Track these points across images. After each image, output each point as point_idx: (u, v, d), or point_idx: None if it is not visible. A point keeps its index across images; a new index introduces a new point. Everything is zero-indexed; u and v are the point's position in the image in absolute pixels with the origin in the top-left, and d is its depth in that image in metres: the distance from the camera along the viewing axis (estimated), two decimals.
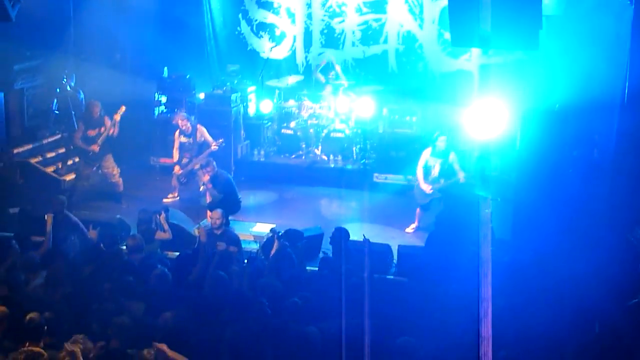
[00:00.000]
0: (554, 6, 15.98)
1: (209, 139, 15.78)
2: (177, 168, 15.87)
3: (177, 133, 15.99)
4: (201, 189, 15.28)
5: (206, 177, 14.61)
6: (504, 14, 8.91)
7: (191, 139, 15.85)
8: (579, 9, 15.22)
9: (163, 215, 12.52)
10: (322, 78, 18.35)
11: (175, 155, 15.95)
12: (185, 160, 15.84)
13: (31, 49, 17.83)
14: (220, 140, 15.85)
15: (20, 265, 10.38)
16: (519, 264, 10.73)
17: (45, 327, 8.36)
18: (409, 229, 14.65)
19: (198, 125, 15.94)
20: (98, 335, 8.48)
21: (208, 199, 14.88)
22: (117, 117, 15.49)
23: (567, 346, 8.72)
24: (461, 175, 14.25)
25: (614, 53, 13.03)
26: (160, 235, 12.35)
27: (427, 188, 14.43)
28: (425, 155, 14.60)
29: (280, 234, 11.41)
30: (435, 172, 14.43)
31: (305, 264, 11.46)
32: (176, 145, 15.97)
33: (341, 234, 11.63)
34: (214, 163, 14.72)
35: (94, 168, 15.79)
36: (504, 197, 13.91)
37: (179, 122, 15.96)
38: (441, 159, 14.45)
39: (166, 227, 12.43)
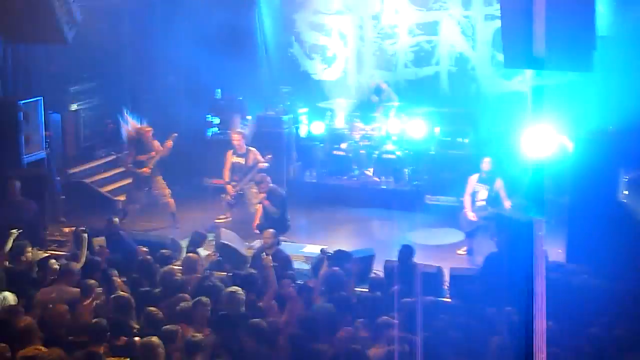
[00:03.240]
0: (609, 27, 15.84)
1: (261, 160, 15.80)
2: (229, 188, 15.92)
3: (229, 153, 16.04)
4: (255, 206, 15.27)
5: (262, 195, 14.62)
6: (557, 35, 8.86)
7: (243, 160, 15.90)
8: (634, 29, 15.07)
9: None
10: (374, 98, 18.38)
11: (226, 174, 15.99)
12: (235, 180, 15.89)
13: (87, 70, 18.14)
14: (269, 156, 15.86)
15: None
16: (573, 287, 10.60)
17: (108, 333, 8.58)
18: (461, 251, 14.54)
19: (251, 148, 16.00)
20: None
21: (257, 221, 14.89)
22: (170, 143, 15.61)
23: None
24: (507, 204, 14.06)
25: None
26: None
27: (472, 216, 14.31)
28: (472, 182, 14.47)
29: (329, 255, 11.37)
30: (482, 199, 14.29)
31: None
32: (227, 165, 16.01)
33: (408, 251, 11.64)
34: (268, 178, 14.77)
35: (145, 189, 15.93)
36: (557, 219, 13.79)
37: (233, 137, 16.03)
38: (488, 186, 14.32)
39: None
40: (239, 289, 9.63)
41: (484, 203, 14.28)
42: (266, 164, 15.66)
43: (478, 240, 14.31)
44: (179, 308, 9.39)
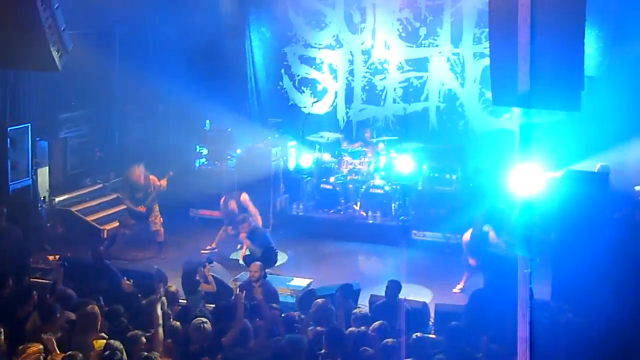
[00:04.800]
0: (597, 67, 15.99)
1: (252, 210, 15.73)
2: (229, 229, 15.91)
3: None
4: (238, 247, 15.28)
5: (242, 235, 14.60)
6: (545, 74, 8.91)
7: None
8: (621, 70, 15.22)
9: (208, 267, 12.50)
10: (357, 146, 18.39)
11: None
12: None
13: (76, 99, 18.15)
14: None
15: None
16: (557, 325, 10.59)
17: None
18: (456, 289, 14.47)
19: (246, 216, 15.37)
20: None
21: (243, 252, 14.88)
22: (164, 182, 15.65)
23: None
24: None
25: None
26: (204, 287, 12.33)
27: (472, 262, 14.30)
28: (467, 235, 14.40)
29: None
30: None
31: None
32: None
33: (395, 287, 11.61)
34: (250, 219, 14.76)
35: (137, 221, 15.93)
36: (543, 257, 13.81)
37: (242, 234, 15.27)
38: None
39: (210, 279, 12.41)
40: (206, 320, 9.62)
41: None
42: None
43: (472, 279, 14.27)
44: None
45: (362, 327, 10.26)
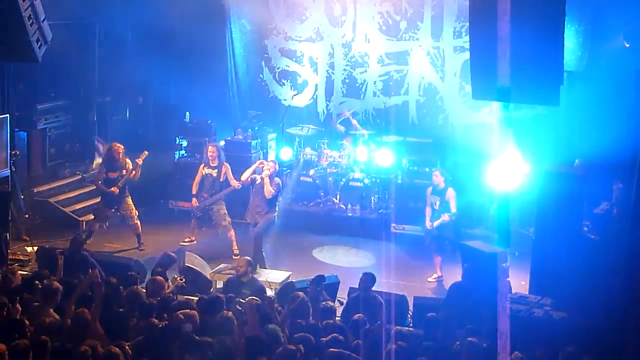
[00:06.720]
0: (576, 62, 16.05)
1: (231, 178, 15.70)
2: (194, 200, 15.83)
3: (201, 166, 15.98)
4: (252, 176, 15.07)
5: (266, 174, 14.71)
6: (525, 69, 8.95)
7: (215, 173, 15.75)
8: (600, 66, 15.28)
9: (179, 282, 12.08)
10: (341, 128, 18.42)
11: (194, 187, 15.88)
12: (204, 196, 15.75)
13: (56, 90, 18.06)
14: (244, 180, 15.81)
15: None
16: (535, 319, 10.65)
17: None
18: (431, 279, 14.58)
19: (225, 163, 15.93)
20: None
21: (235, 247, 15.20)
22: (140, 161, 15.45)
23: None
24: (446, 216, 14.34)
25: (635, 110, 13.05)
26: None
27: (428, 224, 14.59)
28: (428, 194, 14.73)
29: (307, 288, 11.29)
30: (436, 208, 14.60)
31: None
32: (197, 178, 15.89)
33: (370, 279, 11.61)
34: (277, 166, 15.28)
35: (113, 210, 15.79)
36: (521, 251, 13.89)
37: (209, 148, 15.94)
38: (440, 197, 14.57)
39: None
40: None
41: (437, 213, 14.55)
42: (239, 186, 15.53)
43: (448, 269, 14.34)
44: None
45: (337, 319, 10.29)
